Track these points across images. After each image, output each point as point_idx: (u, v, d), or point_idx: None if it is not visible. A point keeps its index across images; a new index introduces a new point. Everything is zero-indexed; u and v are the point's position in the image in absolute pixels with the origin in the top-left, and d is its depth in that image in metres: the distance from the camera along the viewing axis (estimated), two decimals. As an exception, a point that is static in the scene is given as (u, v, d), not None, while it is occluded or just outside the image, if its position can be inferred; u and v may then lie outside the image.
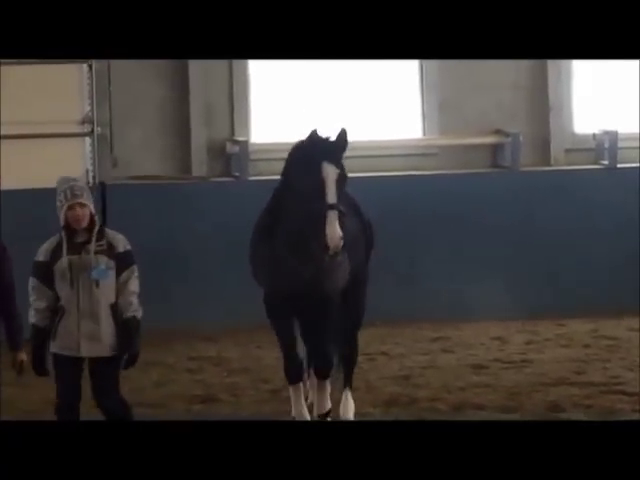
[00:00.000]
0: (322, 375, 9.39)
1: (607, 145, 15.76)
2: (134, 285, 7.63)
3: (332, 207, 8.58)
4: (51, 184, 14.39)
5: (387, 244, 13.85)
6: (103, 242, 7.51)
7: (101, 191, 13.99)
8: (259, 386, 11.58)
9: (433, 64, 16.30)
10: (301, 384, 9.44)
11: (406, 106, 16.32)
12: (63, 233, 7.57)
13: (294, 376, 9.35)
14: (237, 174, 14.91)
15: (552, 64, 16.13)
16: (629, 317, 14.34)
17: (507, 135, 16.07)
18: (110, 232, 7.71)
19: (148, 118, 15.17)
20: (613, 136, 15.50)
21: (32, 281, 7.62)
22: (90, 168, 14.45)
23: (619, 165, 15.84)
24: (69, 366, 7.47)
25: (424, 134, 16.40)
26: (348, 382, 10.00)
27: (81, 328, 7.44)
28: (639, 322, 13.96)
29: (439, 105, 16.27)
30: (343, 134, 8.90)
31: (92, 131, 14.47)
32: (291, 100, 15.96)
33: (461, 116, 16.28)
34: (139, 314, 7.65)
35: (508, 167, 16.04)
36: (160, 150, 15.10)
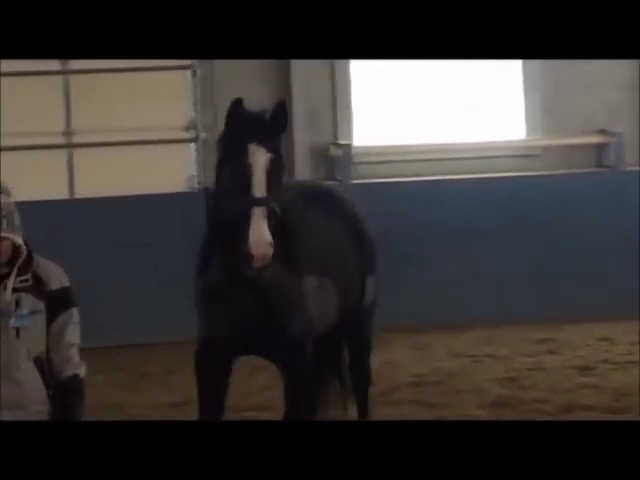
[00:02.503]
0: None
1: None
2: (73, 335, 5.76)
3: (259, 202, 6.32)
4: (158, 190, 14.39)
5: (485, 244, 14.51)
6: (28, 277, 5.68)
7: (205, 196, 14.11)
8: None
9: (536, 64, 15.96)
10: None
11: (509, 107, 16.31)
12: None
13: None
14: (340, 177, 15.03)
15: (657, 62, 17.62)
16: None
17: (611, 135, 15.89)
18: (44, 264, 5.86)
19: None
20: None
21: None
22: (195, 173, 14.55)
23: None
24: None
25: (527, 135, 16.42)
26: (364, 415, 8.14)
27: (1, 391, 5.72)
28: None
29: (542, 105, 16.19)
30: (280, 107, 6.64)
31: (197, 137, 14.41)
32: (393, 102, 15.89)
33: (564, 116, 16.10)
34: (82, 372, 5.78)
35: (612, 167, 15.83)
36: None
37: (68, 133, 15.10)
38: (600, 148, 15.86)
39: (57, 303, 5.73)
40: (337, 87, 15.43)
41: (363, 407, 8.15)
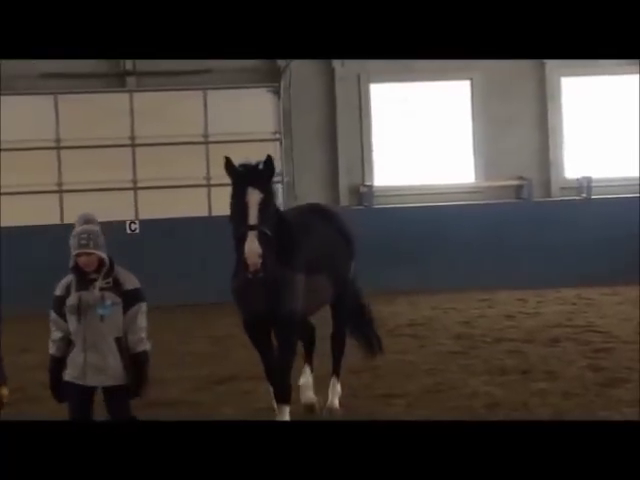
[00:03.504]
0: (280, 400, 8.02)
1: None
2: (143, 321, 6.67)
3: (252, 228, 7.42)
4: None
5: (459, 245, 17.15)
6: (110, 280, 6.63)
7: None
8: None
9: (481, 132, 18.51)
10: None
11: (464, 161, 18.67)
12: (72, 273, 6.66)
13: (282, 398, 8.06)
14: (366, 204, 18.13)
15: None
16: None
17: (524, 179, 18.24)
18: (122, 271, 6.73)
19: (313, 171, 18.59)
20: None
21: (51, 314, 6.74)
22: (281, 201, 15.81)
23: None
24: (79, 393, 6.59)
25: (475, 179, 18.71)
26: (336, 371, 9.08)
27: (87, 359, 6.60)
28: None
29: (484, 161, 18.87)
30: (268, 161, 7.67)
31: (282, 180, 17.47)
32: (395, 158, 18.76)
33: (498, 167, 18.58)
34: (148, 347, 6.68)
35: (526, 199, 18.00)
36: (321, 189, 18.49)
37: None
38: (518, 187, 18.81)
39: (131, 298, 6.64)
40: (365, 149, 18.75)
41: (336, 365, 9.14)
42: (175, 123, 16.80)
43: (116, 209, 15.89)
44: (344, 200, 18.29)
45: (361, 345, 9.35)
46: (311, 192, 17.88)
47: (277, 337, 8.03)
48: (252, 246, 7.38)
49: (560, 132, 18.77)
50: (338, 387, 8.98)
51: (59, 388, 6.74)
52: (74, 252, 6.63)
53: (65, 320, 6.68)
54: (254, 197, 7.58)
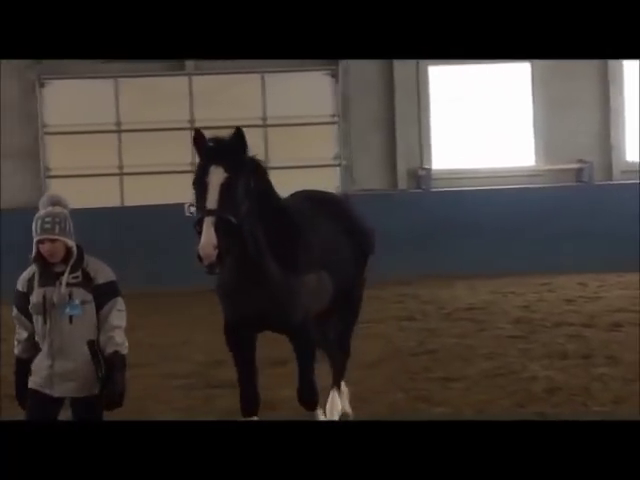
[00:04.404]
0: (308, 406, 7.19)
1: None
2: (117, 319, 5.76)
3: (209, 213, 6.18)
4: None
5: (513, 229, 16.84)
6: (78, 274, 5.71)
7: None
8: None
9: (542, 114, 18.05)
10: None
11: (524, 142, 18.32)
12: (35, 265, 5.74)
13: (246, 410, 7.04)
14: (424, 188, 18.15)
15: None
16: None
17: (585, 162, 18.07)
18: (93, 263, 5.80)
19: (371, 154, 18.47)
20: None
21: (14, 310, 5.85)
22: (339, 185, 17.69)
23: None
24: (43, 403, 5.75)
25: (535, 162, 18.41)
26: (336, 383, 7.98)
27: (54, 366, 5.72)
28: None
29: (544, 143, 18.52)
30: (237, 134, 6.49)
31: (339, 164, 17.91)
32: (454, 140, 18.63)
33: (558, 150, 18.29)
34: (122, 349, 5.74)
35: (587, 182, 17.77)
36: (379, 173, 18.43)
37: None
38: (579, 170, 18.66)
39: (103, 294, 5.73)
40: (423, 132, 18.60)
41: (337, 376, 7.96)
42: (234, 106, 16.85)
43: (175, 192, 15.96)
44: (402, 183, 18.35)
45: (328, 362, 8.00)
46: (369, 176, 18.05)
47: (296, 348, 7.11)
48: (208, 235, 6.11)
49: (622, 114, 18.52)
50: (337, 401, 7.90)
51: (25, 394, 5.83)
52: (35, 238, 5.67)
53: (30, 319, 5.79)
54: (216, 177, 6.33)
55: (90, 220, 16.05)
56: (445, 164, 18.47)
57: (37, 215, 5.69)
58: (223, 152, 6.40)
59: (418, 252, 16.85)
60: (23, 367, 5.85)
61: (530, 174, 18.47)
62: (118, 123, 17.34)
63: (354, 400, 8.37)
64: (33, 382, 5.77)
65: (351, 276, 7.62)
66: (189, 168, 17.34)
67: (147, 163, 16.92)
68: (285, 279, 6.66)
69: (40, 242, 5.66)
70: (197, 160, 6.51)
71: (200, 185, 6.34)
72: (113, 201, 16.92)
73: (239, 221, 6.25)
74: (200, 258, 6.11)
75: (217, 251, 6.08)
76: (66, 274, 5.70)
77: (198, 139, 6.43)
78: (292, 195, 7.68)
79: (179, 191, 16.95)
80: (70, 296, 5.70)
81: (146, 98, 16.90)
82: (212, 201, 6.26)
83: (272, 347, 8.25)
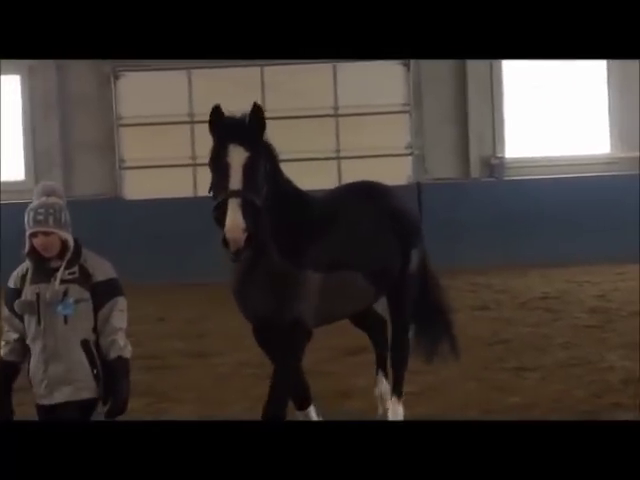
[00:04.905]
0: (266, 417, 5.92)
1: None
2: (118, 320, 5.32)
3: (234, 194, 5.72)
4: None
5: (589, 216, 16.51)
6: (75, 269, 5.27)
7: (418, 189, 17.11)
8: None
9: (617, 100, 17.67)
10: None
11: (599, 130, 18.06)
12: (28, 260, 5.34)
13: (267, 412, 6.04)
14: (497, 176, 18.10)
15: None
16: None
17: None
18: (91, 258, 5.37)
19: (444, 143, 18.31)
20: None
21: (4, 310, 5.42)
22: (411, 174, 17.85)
23: None
24: (49, 414, 5.24)
25: (610, 150, 18.07)
26: (396, 390, 7.27)
27: (48, 372, 5.28)
28: None
29: (620, 129, 18.21)
30: (255, 110, 5.95)
31: (411, 153, 17.92)
32: (529, 127, 18.35)
33: (634, 137, 17.95)
34: (126, 353, 5.31)
35: None
36: (452, 162, 18.39)
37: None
38: None
39: (103, 293, 5.27)
40: (496, 121, 18.50)
41: (397, 382, 7.22)
42: (305, 96, 16.94)
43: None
44: (474, 172, 18.24)
45: (424, 351, 7.55)
46: (441, 165, 18.04)
47: (277, 351, 6.27)
48: (235, 216, 5.63)
49: (700, 101, 17.75)
50: (400, 409, 7.21)
51: (8, 401, 5.31)
52: (28, 231, 5.24)
53: (22, 319, 5.32)
54: (237, 156, 5.88)
55: (164, 211, 16.48)
56: (518, 152, 18.38)
57: (30, 206, 5.28)
58: (243, 130, 5.93)
59: (491, 241, 16.78)
60: (10, 369, 5.38)
61: (605, 162, 18.31)
62: (191, 114, 17.52)
63: (428, 390, 8.42)
64: (35, 394, 5.35)
65: (396, 275, 7.02)
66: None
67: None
68: (285, 271, 6.03)
69: (33, 235, 5.25)
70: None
71: (220, 165, 5.86)
72: (186, 191, 17.14)
73: (261, 204, 5.80)
74: (226, 243, 5.60)
75: (246, 234, 5.60)
76: (61, 270, 5.28)
77: (215, 116, 5.94)
78: (337, 187, 7.38)
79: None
80: (65, 293, 5.27)
81: (219, 89, 16.81)
82: (236, 181, 5.80)
83: (347, 336, 8.12)
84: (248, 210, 5.66)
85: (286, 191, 6.21)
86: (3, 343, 5.34)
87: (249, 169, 5.79)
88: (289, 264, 6.02)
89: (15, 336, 5.31)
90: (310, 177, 17.19)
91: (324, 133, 17.48)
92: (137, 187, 17.19)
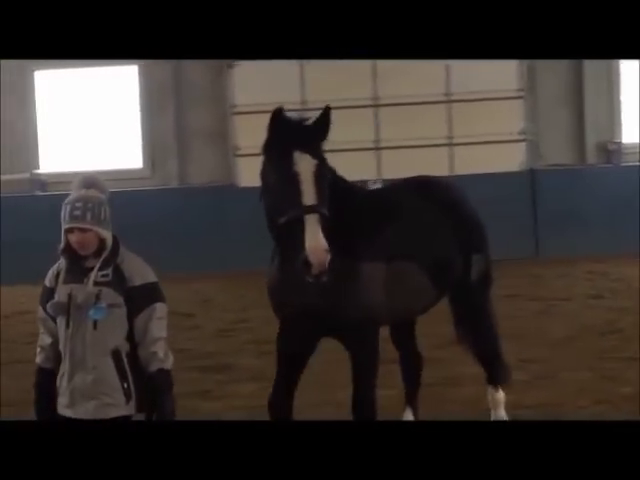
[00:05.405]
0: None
1: None
2: (158, 329, 4.84)
3: (311, 210, 5.30)
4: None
5: None
6: (108, 271, 4.82)
7: (531, 175, 17.23)
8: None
9: None
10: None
11: None
12: (63, 258, 4.90)
13: (272, 411, 5.91)
14: (614, 162, 17.90)
15: None
16: None
17: None
18: (130, 259, 4.88)
19: (559, 129, 18.07)
20: None
21: (39, 310, 4.98)
22: (524, 161, 17.74)
23: None
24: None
25: None
26: (492, 384, 7.04)
27: (74, 380, 4.83)
28: None
29: None
30: (325, 114, 5.63)
31: (526, 139, 17.85)
32: None
33: None
34: (167, 365, 4.83)
35: None
36: (567, 148, 18.17)
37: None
38: None
39: (138, 299, 4.82)
40: (614, 105, 18.36)
41: (494, 373, 6.94)
42: (417, 83, 17.06)
43: (360, 169, 15.73)
44: (591, 158, 18.16)
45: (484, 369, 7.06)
46: (556, 151, 17.95)
47: (350, 347, 5.94)
48: (317, 236, 5.19)
49: None
50: (501, 394, 7.01)
51: (46, 413, 4.93)
52: (64, 226, 4.82)
53: (55, 321, 4.91)
54: (306, 165, 5.40)
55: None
56: (637, 138, 18.09)
57: (67, 199, 4.84)
58: (309, 135, 5.50)
59: (608, 229, 16.59)
60: (44, 379, 4.94)
61: None
62: (304, 102, 17.57)
63: (540, 378, 8.39)
64: (59, 404, 4.90)
65: (458, 266, 6.59)
66: (371, 145, 17.75)
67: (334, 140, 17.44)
68: (341, 267, 5.43)
69: (69, 231, 4.80)
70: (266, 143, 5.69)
71: (286, 175, 5.36)
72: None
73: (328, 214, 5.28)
74: (309, 265, 5.16)
75: (329, 256, 5.16)
76: (95, 270, 4.81)
77: (276, 118, 5.48)
78: (395, 181, 7.02)
79: (364, 168, 17.13)
80: (98, 297, 4.80)
81: (330, 77, 17.18)
82: (310, 195, 5.33)
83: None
84: (324, 226, 5.27)
85: (342, 188, 5.86)
86: (39, 349, 4.99)
87: (319, 180, 5.39)
88: (349, 260, 5.66)
89: (49, 340, 4.92)
90: (422, 164, 16.46)
91: (436, 120, 17.57)
92: (251, 174, 17.67)
